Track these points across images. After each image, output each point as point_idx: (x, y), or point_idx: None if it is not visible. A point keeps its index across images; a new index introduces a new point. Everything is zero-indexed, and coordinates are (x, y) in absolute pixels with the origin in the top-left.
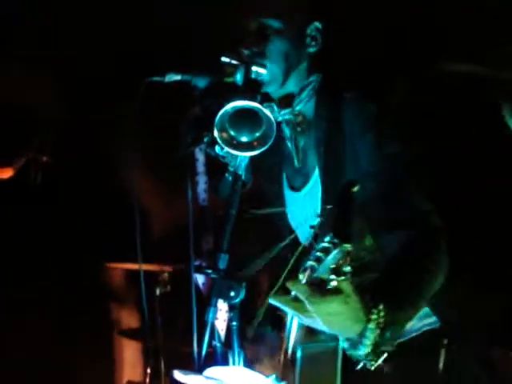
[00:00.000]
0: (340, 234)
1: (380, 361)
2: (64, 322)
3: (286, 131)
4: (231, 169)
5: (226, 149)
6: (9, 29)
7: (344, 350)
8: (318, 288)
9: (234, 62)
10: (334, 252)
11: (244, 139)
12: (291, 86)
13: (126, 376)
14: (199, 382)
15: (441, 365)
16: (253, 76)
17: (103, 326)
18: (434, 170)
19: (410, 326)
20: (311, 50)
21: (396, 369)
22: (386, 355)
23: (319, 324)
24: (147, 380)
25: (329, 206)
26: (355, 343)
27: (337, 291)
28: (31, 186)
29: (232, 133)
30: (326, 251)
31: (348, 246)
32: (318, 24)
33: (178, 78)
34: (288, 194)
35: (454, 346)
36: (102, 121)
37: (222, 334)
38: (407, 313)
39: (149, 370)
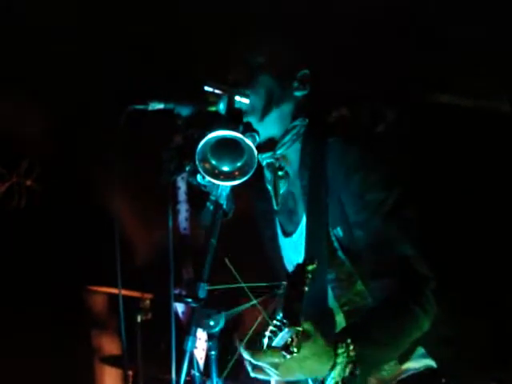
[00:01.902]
0: (289, 315)
1: None
2: (44, 348)
3: (267, 174)
4: (213, 198)
5: (207, 178)
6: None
7: None
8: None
9: (217, 91)
10: (285, 330)
11: (225, 169)
12: (273, 129)
13: None
14: None
15: None
16: (236, 106)
17: (84, 352)
18: (420, 209)
19: (407, 365)
20: (298, 93)
21: None
22: None
23: (294, 375)
24: None
25: (284, 282)
26: (323, 379)
27: (305, 338)
28: (15, 210)
29: (213, 162)
30: (279, 328)
31: (298, 329)
32: (307, 71)
33: (161, 106)
34: (281, 238)
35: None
36: (87, 147)
37: (201, 362)
38: (379, 351)
39: None
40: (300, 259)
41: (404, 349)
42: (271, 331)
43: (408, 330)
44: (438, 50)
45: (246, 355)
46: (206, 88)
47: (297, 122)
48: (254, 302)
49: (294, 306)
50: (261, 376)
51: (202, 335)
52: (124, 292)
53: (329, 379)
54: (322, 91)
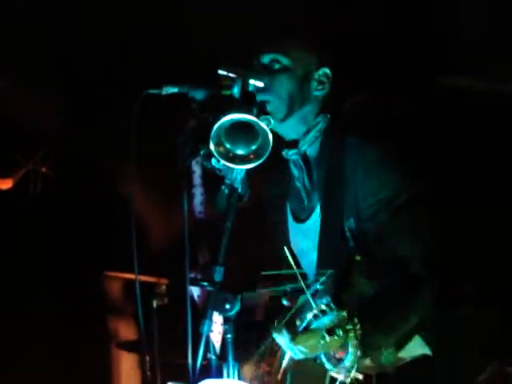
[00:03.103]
0: (337, 301)
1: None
2: (61, 333)
3: (295, 171)
4: (228, 181)
5: (222, 162)
6: (11, 42)
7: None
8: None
9: (231, 75)
10: (330, 315)
11: (240, 152)
12: (296, 128)
13: None
14: None
15: None
16: (250, 89)
17: (100, 337)
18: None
19: (404, 354)
20: (318, 93)
21: None
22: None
23: (312, 352)
24: None
25: (329, 271)
26: (338, 359)
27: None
28: (30, 197)
29: (228, 146)
30: (323, 312)
31: (344, 314)
32: (326, 70)
33: (175, 90)
34: (292, 224)
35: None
36: (103, 133)
37: (217, 346)
38: (381, 336)
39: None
40: (310, 245)
41: (402, 336)
42: (314, 315)
43: (401, 324)
44: (450, 34)
45: (282, 335)
46: (220, 71)
47: (319, 119)
48: (303, 287)
49: (343, 294)
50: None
51: (217, 319)
52: (140, 277)
53: (345, 361)
54: (341, 87)
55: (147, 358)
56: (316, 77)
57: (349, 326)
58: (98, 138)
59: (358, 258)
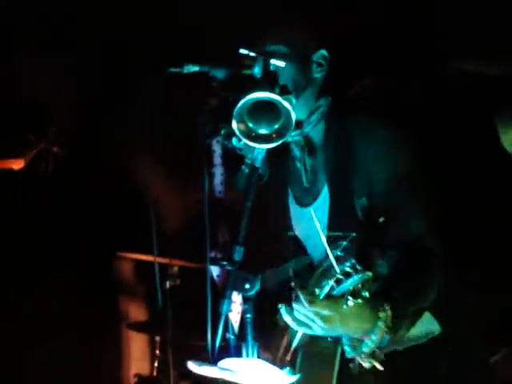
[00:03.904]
0: (363, 261)
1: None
2: (72, 314)
3: (296, 152)
4: (248, 161)
5: (244, 141)
6: (25, 20)
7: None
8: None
9: (252, 54)
10: (355, 277)
11: (262, 131)
12: (299, 112)
13: (132, 368)
14: (214, 373)
15: (441, 369)
16: (271, 69)
17: (111, 318)
18: (442, 184)
19: (413, 332)
20: (317, 75)
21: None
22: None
23: (335, 330)
24: (154, 373)
25: (352, 234)
26: (358, 342)
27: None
28: (42, 177)
29: (250, 125)
30: (347, 275)
31: (369, 274)
32: (324, 51)
33: (196, 69)
34: (295, 209)
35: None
36: (116, 113)
37: (236, 326)
38: (407, 319)
39: (156, 364)
40: (313, 230)
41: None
42: (337, 279)
43: (426, 294)
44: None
45: (299, 303)
46: (241, 51)
47: (321, 102)
48: (327, 249)
49: (369, 253)
50: (302, 329)
51: (236, 298)
52: (152, 258)
53: (364, 345)
54: (340, 68)
55: (158, 338)
56: (315, 59)
57: (381, 314)
58: (110, 119)
59: (381, 219)
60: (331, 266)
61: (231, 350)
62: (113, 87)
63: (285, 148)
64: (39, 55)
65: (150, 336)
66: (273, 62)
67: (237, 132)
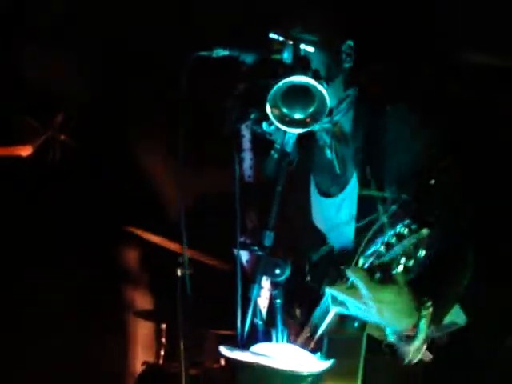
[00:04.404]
0: (420, 219)
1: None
2: (76, 300)
3: (326, 139)
4: (277, 146)
5: (278, 126)
6: (36, 5)
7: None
8: (375, 275)
9: (281, 38)
10: (409, 238)
11: (297, 116)
12: (329, 99)
13: (139, 356)
14: (248, 358)
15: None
16: (301, 53)
17: (117, 305)
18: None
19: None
20: (346, 65)
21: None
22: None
23: (370, 313)
24: (160, 361)
25: (404, 196)
26: (407, 337)
27: (392, 281)
28: (50, 164)
29: (284, 110)
30: (401, 236)
31: (426, 232)
32: (350, 42)
33: (225, 53)
34: (318, 200)
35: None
36: (123, 100)
37: (264, 311)
38: (445, 309)
39: (162, 352)
40: (345, 218)
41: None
42: (387, 244)
43: (460, 286)
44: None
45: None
46: (271, 35)
47: (350, 91)
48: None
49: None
50: (337, 307)
51: (265, 284)
52: (163, 245)
53: (415, 341)
54: (364, 59)
55: (164, 326)
56: (343, 49)
57: (424, 312)
58: (119, 105)
59: (431, 182)
60: (379, 231)
61: (259, 335)
62: (121, 74)
63: (309, 137)
64: (44, 42)
65: (155, 324)
66: (302, 47)
67: (271, 117)
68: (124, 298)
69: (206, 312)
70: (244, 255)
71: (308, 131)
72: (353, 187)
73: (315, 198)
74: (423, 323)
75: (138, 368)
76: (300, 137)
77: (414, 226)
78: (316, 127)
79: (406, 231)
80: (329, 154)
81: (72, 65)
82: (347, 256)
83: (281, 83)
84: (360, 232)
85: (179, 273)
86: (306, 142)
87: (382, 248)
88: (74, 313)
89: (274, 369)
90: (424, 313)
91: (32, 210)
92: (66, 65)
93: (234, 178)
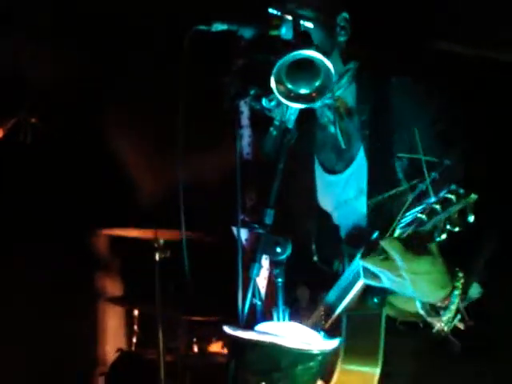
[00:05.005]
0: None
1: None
2: (50, 288)
3: (330, 115)
4: (276, 123)
5: (285, 102)
6: None
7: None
8: (411, 245)
9: (281, 14)
10: (456, 204)
11: (303, 91)
12: None
13: (108, 342)
14: (254, 336)
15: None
16: (301, 29)
17: (88, 293)
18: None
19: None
20: (341, 38)
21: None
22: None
23: (404, 286)
24: (133, 348)
25: (446, 161)
26: (438, 309)
27: (427, 252)
28: (21, 147)
29: (289, 85)
30: (447, 202)
31: (475, 197)
32: (345, 14)
33: (224, 27)
34: (323, 178)
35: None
36: (95, 83)
37: (263, 291)
38: (470, 282)
39: (135, 339)
40: (352, 194)
41: None
42: (430, 211)
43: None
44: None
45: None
46: (270, 10)
47: (350, 65)
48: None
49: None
50: (370, 281)
51: (264, 263)
52: (136, 233)
53: (446, 312)
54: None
55: (136, 312)
56: (338, 22)
57: (457, 283)
58: (91, 88)
59: (447, 161)
60: (419, 197)
61: (257, 315)
62: (96, 57)
63: (308, 116)
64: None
65: (126, 311)
66: (302, 22)
67: (276, 93)
68: (95, 286)
69: (180, 297)
70: (243, 234)
71: (308, 110)
72: (359, 164)
73: (320, 177)
74: (456, 294)
75: (109, 355)
76: (299, 116)
77: (462, 191)
78: (317, 104)
79: (452, 196)
80: (332, 129)
81: (45, 48)
82: (361, 232)
83: (286, 58)
84: (376, 206)
85: (157, 257)
86: (306, 121)
87: (424, 216)
88: (44, 300)
89: (284, 347)
90: (457, 284)
91: (1, 193)
92: (39, 48)
93: (233, 155)
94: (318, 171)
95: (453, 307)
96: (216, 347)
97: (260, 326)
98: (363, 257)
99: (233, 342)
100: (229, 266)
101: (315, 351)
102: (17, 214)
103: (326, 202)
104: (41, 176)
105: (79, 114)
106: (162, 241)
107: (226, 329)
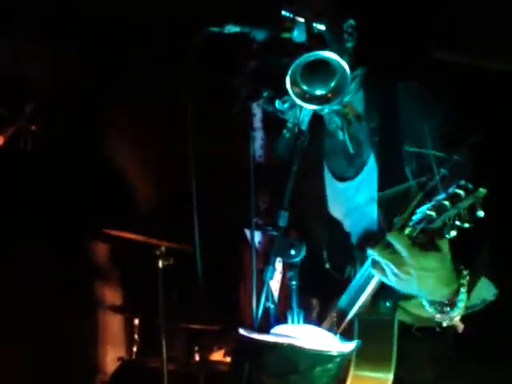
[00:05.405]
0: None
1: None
2: (50, 296)
3: (338, 121)
4: (290, 125)
5: (300, 103)
6: None
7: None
8: (420, 242)
9: (295, 16)
10: (466, 199)
11: (318, 92)
12: None
13: (109, 350)
14: (270, 339)
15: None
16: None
17: (88, 301)
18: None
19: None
20: (349, 45)
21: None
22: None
23: (410, 283)
24: (133, 356)
25: (455, 157)
26: (446, 306)
27: (436, 248)
28: (21, 155)
29: (304, 86)
30: (456, 198)
31: (484, 191)
32: (351, 21)
33: (236, 29)
34: (333, 185)
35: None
36: (95, 83)
37: (276, 294)
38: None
39: (135, 348)
40: (363, 201)
41: None
42: (439, 207)
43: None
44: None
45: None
46: (284, 13)
47: (357, 72)
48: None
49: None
50: (377, 273)
51: (277, 266)
52: (139, 238)
53: (455, 309)
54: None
55: (136, 321)
56: (345, 28)
57: (463, 280)
58: (91, 97)
59: (456, 157)
60: (428, 194)
61: (271, 318)
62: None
63: (316, 123)
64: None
65: (126, 319)
66: (314, 25)
67: (292, 94)
68: (95, 294)
69: (182, 306)
70: (256, 236)
71: (316, 116)
72: (370, 170)
73: (330, 185)
74: (463, 291)
75: (109, 364)
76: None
77: (470, 186)
78: (325, 110)
79: (461, 192)
80: (341, 135)
81: (45, 54)
82: (373, 237)
83: (301, 59)
84: (388, 208)
85: (160, 264)
86: (315, 127)
87: (433, 212)
88: (43, 309)
89: (302, 348)
90: (463, 281)
91: (2, 200)
92: (39, 54)
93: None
94: (328, 178)
95: (461, 305)
96: (218, 356)
97: (276, 329)
98: (371, 246)
99: (247, 344)
100: (231, 274)
101: (334, 353)
102: (18, 216)
103: (336, 209)
104: (42, 180)
105: (79, 115)
106: (163, 248)
107: (242, 331)
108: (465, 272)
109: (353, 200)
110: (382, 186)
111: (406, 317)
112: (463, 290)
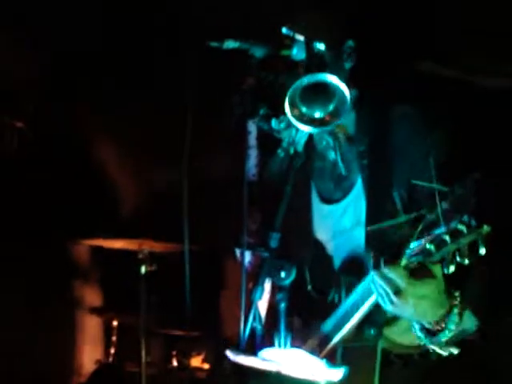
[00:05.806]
0: (481, 217)
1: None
2: (28, 296)
3: (329, 141)
4: (284, 145)
5: (298, 125)
6: None
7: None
8: (416, 273)
9: (295, 35)
10: (467, 236)
11: (317, 115)
12: None
13: (86, 352)
14: (256, 363)
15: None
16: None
17: (67, 302)
18: None
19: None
20: (347, 65)
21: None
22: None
23: (403, 308)
24: (110, 359)
25: (459, 190)
26: (436, 330)
27: (431, 275)
28: (5, 151)
29: (303, 109)
30: (457, 234)
31: (487, 229)
32: (351, 42)
33: (236, 45)
34: (320, 208)
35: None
36: (81, 94)
37: (263, 315)
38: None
39: (113, 350)
40: (349, 224)
41: None
42: (439, 241)
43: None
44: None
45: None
46: (284, 31)
47: (352, 93)
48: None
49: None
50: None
51: (266, 287)
52: (120, 244)
53: (445, 332)
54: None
55: (115, 323)
56: (345, 50)
57: (455, 302)
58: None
59: (459, 190)
60: (431, 226)
61: (257, 339)
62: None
63: (306, 144)
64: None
65: (105, 322)
66: (314, 44)
67: (290, 116)
68: (75, 295)
69: (162, 310)
70: (247, 256)
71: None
72: (357, 193)
73: (316, 207)
74: (456, 313)
75: (86, 365)
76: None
77: (473, 223)
78: (316, 131)
79: (463, 228)
80: (332, 155)
81: (31, 52)
82: (358, 262)
83: (300, 81)
84: (376, 234)
85: (143, 270)
86: (304, 148)
87: (432, 246)
88: (21, 311)
89: (290, 377)
90: (455, 302)
91: None
92: (25, 52)
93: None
94: (315, 200)
95: (452, 326)
96: (196, 362)
97: (263, 353)
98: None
99: (236, 367)
100: (212, 281)
101: (322, 382)
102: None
103: (321, 231)
104: (23, 184)
105: (65, 118)
106: (146, 251)
107: (229, 354)
108: (456, 294)
109: (338, 223)
110: (370, 211)
111: (386, 343)
112: (456, 310)
